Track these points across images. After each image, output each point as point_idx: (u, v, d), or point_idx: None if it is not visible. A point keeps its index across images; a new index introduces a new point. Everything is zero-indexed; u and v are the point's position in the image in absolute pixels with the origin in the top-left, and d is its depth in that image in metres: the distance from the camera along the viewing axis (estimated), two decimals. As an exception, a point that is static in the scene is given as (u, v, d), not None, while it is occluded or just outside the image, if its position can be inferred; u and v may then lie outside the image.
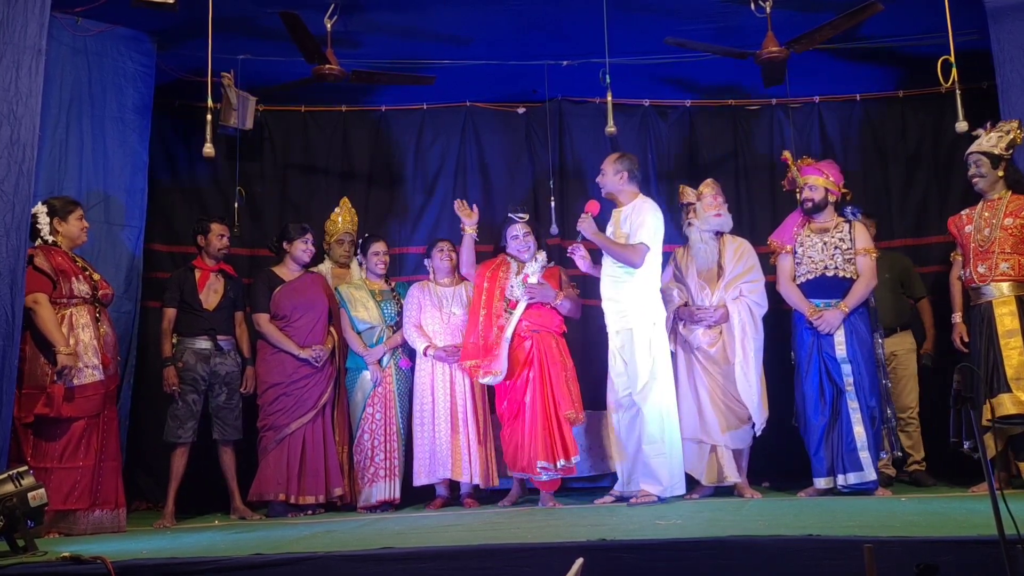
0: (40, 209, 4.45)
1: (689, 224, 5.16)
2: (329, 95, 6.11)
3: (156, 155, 5.75)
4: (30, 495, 3.37)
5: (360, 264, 5.59)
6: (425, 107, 6.37)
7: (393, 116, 6.41)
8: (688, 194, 5.20)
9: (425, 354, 5.20)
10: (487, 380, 5.03)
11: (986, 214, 4.70)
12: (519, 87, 6.22)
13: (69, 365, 4.23)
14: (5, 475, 3.40)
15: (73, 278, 4.40)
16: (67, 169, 5.06)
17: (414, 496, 5.36)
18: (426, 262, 5.50)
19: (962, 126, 4.67)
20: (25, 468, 3.49)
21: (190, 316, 5.18)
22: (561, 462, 4.86)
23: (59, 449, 4.24)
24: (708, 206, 5.10)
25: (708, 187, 5.18)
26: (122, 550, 3.39)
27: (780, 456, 5.63)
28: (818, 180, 4.98)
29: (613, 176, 4.89)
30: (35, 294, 4.23)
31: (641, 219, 4.76)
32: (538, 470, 4.85)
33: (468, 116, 6.40)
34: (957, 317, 5.03)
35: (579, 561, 2.83)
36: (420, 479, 5.15)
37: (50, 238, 4.46)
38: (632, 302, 4.76)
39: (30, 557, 3.23)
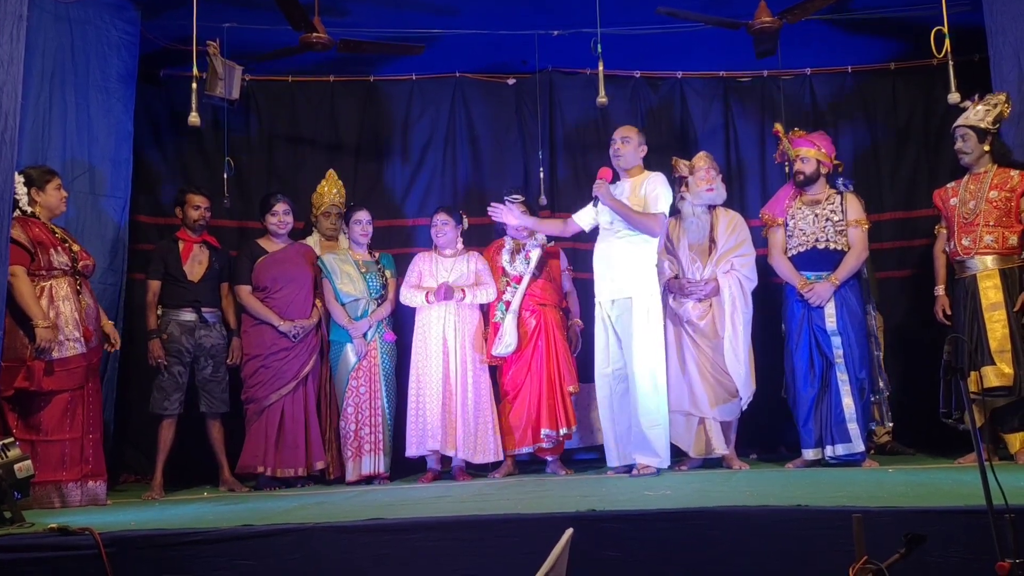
0: (17, 179, 4.33)
1: (682, 198, 5.11)
2: (317, 65, 6.04)
3: (141, 126, 5.68)
4: (16, 467, 3.35)
5: (347, 235, 5.54)
6: (414, 77, 6.30)
7: (382, 87, 6.34)
8: (681, 167, 5.17)
9: (427, 299, 5.15)
10: (499, 351, 5.12)
11: (971, 187, 4.71)
12: (509, 58, 6.15)
13: (48, 339, 4.16)
14: (-10, 447, 3.38)
15: (52, 249, 4.32)
16: (51, 139, 4.97)
17: (406, 469, 5.34)
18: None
19: (954, 97, 4.65)
20: (11, 440, 3.47)
21: (175, 288, 5.12)
22: (563, 430, 5.09)
23: (44, 421, 4.20)
24: (700, 180, 5.07)
25: (701, 160, 5.15)
26: (110, 522, 3.38)
27: (768, 428, 5.66)
28: (810, 152, 4.96)
29: (639, 147, 4.88)
30: (12, 267, 4.12)
31: (658, 190, 4.76)
32: (542, 437, 5.05)
33: (458, 87, 6.33)
34: (940, 290, 5.03)
35: (568, 531, 2.84)
36: (411, 450, 5.15)
37: (28, 209, 4.38)
38: (633, 272, 4.74)
39: (17, 528, 3.22)
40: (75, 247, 4.48)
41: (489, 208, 5.08)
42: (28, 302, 4.16)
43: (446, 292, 5.11)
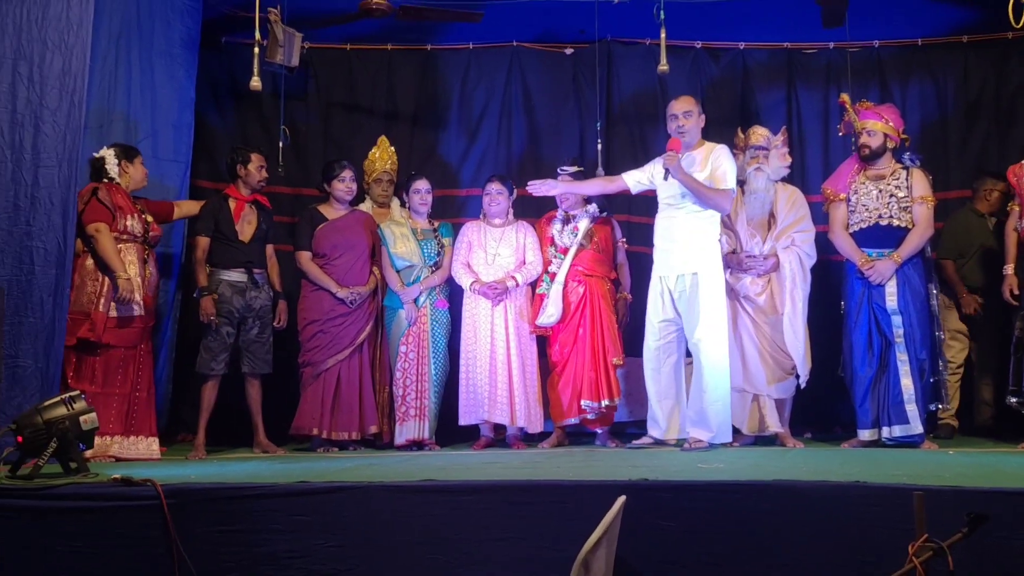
0: (108, 152, 4.69)
1: (758, 168, 4.98)
2: (375, 32, 6.03)
3: (201, 92, 5.73)
4: (82, 419, 3.42)
5: (403, 203, 5.55)
6: (471, 47, 6.26)
7: (439, 55, 6.32)
8: (760, 137, 5.05)
9: (471, 289, 5.19)
10: (542, 322, 5.12)
11: (1050, 164, 4.56)
12: (567, 27, 6.08)
13: (129, 290, 4.45)
14: (58, 399, 3.46)
15: (128, 216, 4.60)
16: (116, 102, 5.06)
17: (458, 436, 5.36)
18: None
19: (1034, 70, 4.49)
20: (77, 393, 3.55)
21: (225, 247, 5.09)
22: (605, 402, 5.05)
23: (98, 374, 4.47)
24: (783, 156, 5.01)
25: (784, 134, 5.11)
26: (169, 475, 3.44)
27: (823, 407, 5.57)
28: (877, 125, 4.83)
29: (699, 118, 4.81)
30: (97, 223, 4.48)
31: (725, 164, 4.69)
32: (583, 407, 5.01)
33: (514, 57, 6.28)
34: (1009, 269, 4.87)
35: (621, 499, 2.83)
36: (463, 419, 5.18)
37: (117, 179, 4.68)
38: (699, 247, 4.69)
39: (82, 478, 3.31)
40: (149, 218, 4.75)
41: (528, 185, 5.00)
42: (111, 255, 4.47)
43: (495, 294, 5.13)
